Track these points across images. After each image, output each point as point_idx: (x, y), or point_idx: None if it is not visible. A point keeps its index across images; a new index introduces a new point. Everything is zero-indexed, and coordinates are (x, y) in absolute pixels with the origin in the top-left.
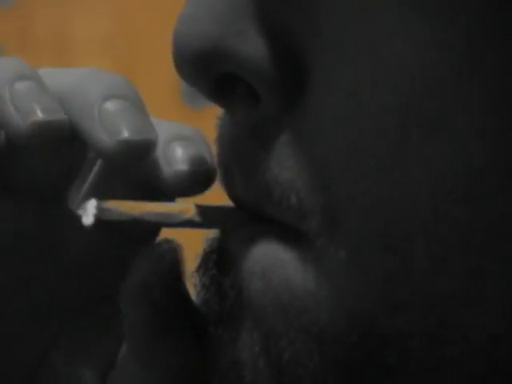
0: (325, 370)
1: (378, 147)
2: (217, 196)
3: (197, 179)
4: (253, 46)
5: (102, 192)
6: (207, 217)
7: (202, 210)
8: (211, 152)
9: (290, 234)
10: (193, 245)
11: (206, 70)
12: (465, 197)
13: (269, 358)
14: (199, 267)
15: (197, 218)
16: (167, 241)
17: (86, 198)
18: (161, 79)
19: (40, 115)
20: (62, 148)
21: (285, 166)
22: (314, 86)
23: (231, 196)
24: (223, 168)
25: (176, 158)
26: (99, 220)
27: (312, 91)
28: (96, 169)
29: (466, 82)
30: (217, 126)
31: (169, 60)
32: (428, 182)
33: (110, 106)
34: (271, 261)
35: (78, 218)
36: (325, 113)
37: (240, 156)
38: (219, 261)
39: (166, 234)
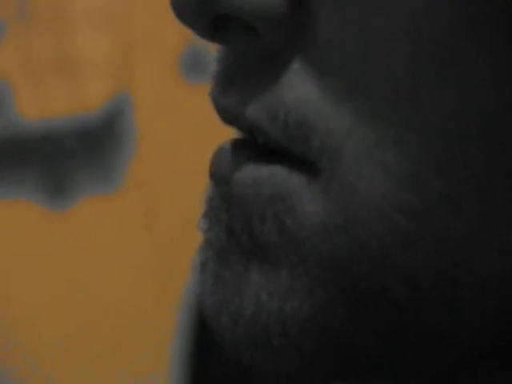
0: (335, 300)
1: (391, 81)
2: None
3: None
4: None
5: None
6: None
7: None
8: None
9: (295, 165)
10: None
11: (205, 9)
12: (478, 138)
13: (276, 288)
14: (206, 213)
15: None
16: None
17: None
18: (159, 55)
19: None
20: None
21: (293, 89)
22: (321, 24)
23: (221, 104)
24: (221, 79)
25: None
26: None
27: (317, 22)
28: None
29: (475, 26)
30: (216, 57)
31: (167, 35)
32: (440, 120)
33: None
34: (280, 203)
35: None
36: (334, 44)
37: (243, 74)
38: (227, 207)
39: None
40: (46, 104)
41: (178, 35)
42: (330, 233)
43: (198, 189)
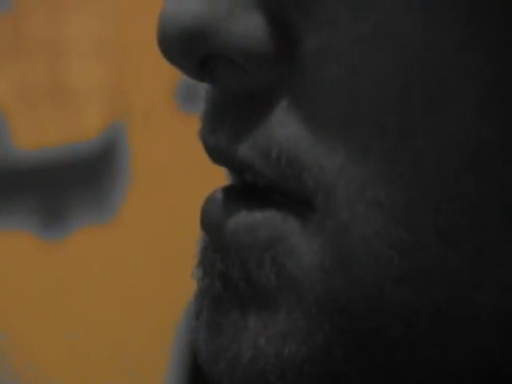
0: (332, 341)
1: (381, 115)
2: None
3: None
4: (243, 25)
5: None
6: None
7: None
8: None
9: (289, 207)
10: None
11: (193, 50)
12: (473, 171)
13: (273, 333)
14: (199, 262)
15: None
16: None
17: None
18: (154, 85)
19: None
20: None
21: (284, 127)
22: (308, 56)
23: (211, 143)
24: (210, 117)
25: None
26: None
27: (306, 59)
28: None
29: (466, 56)
30: (204, 98)
31: (162, 65)
32: (433, 154)
33: None
34: (278, 246)
35: None
36: (322, 81)
37: (234, 113)
38: (221, 256)
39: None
40: (42, 133)
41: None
42: (326, 272)
43: (193, 219)
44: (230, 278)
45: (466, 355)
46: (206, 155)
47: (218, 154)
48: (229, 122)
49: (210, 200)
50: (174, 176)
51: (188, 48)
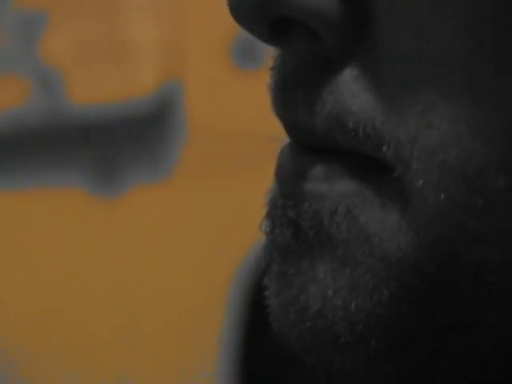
0: (399, 298)
1: (451, 80)
2: None
3: None
4: None
5: None
6: None
7: None
8: None
9: (367, 167)
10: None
11: (264, 12)
12: None
13: (341, 285)
14: (268, 214)
15: None
16: None
17: None
18: (210, 42)
19: None
20: None
21: (357, 97)
22: (379, 24)
23: (288, 119)
24: (282, 90)
25: None
26: None
27: (377, 28)
28: None
29: None
30: (272, 65)
31: (218, 21)
32: (502, 116)
33: None
34: (354, 199)
35: None
36: (393, 47)
37: (304, 84)
38: (294, 204)
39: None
40: (98, 90)
41: (229, 21)
42: (398, 232)
43: (248, 178)
44: (301, 227)
45: None
46: (262, 112)
47: (294, 129)
48: (301, 93)
49: (285, 151)
50: (230, 134)
51: (260, 9)
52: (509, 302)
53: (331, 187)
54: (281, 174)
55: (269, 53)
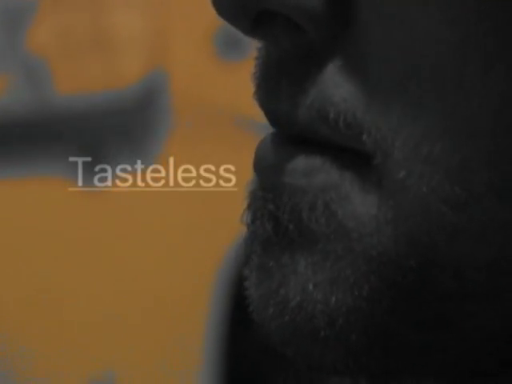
0: (380, 293)
1: (436, 74)
2: None
3: None
4: None
5: None
6: None
7: None
8: None
9: (347, 159)
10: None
11: (246, 5)
12: None
13: (321, 279)
14: (249, 205)
15: None
16: None
17: None
18: (195, 30)
19: None
20: None
21: (339, 87)
22: (363, 16)
23: (270, 108)
24: (266, 80)
25: None
26: None
27: (361, 20)
28: None
29: None
30: (257, 55)
31: (203, 12)
32: (488, 110)
33: None
34: (332, 193)
35: None
36: (377, 39)
37: (288, 75)
38: (273, 197)
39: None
40: (83, 80)
41: (213, 12)
42: (378, 226)
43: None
44: (280, 220)
45: None
46: (245, 103)
47: (276, 119)
48: (284, 84)
49: (265, 142)
50: (213, 123)
51: (242, 2)
52: (496, 298)
53: (310, 181)
54: (260, 166)
55: (253, 44)
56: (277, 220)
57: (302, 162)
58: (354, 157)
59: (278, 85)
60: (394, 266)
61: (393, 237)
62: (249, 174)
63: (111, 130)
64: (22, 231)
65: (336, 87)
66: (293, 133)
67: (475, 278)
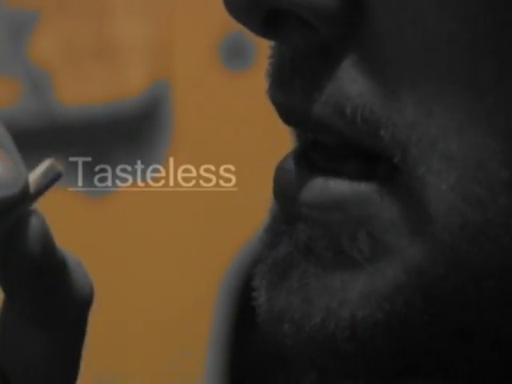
0: (413, 305)
1: (451, 70)
2: None
3: None
4: None
5: None
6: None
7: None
8: None
9: (367, 164)
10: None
11: (258, 4)
12: None
13: (351, 297)
14: (270, 226)
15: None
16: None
17: None
18: (199, 41)
19: None
20: None
21: (355, 82)
22: (376, 12)
23: (284, 103)
24: (279, 77)
25: None
26: None
27: (374, 16)
28: None
29: None
30: (269, 54)
31: (208, 22)
32: (504, 107)
33: None
34: (373, 220)
35: None
36: (390, 35)
37: (301, 72)
38: (289, 218)
39: None
40: (86, 90)
41: (218, 22)
42: (412, 237)
43: (237, 178)
44: (314, 249)
45: None
46: (251, 114)
47: (290, 115)
48: (298, 80)
49: (281, 168)
50: (218, 134)
51: (253, 3)
52: (509, 305)
53: (346, 214)
54: (280, 195)
55: (258, 54)
56: (308, 248)
57: (321, 190)
58: (375, 164)
59: (292, 82)
60: (429, 276)
61: (425, 244)
62: (249, 173)
63: (114, 140)
64: None
65: (352, 82)
66: (307, 128)
67: (495, 287)
